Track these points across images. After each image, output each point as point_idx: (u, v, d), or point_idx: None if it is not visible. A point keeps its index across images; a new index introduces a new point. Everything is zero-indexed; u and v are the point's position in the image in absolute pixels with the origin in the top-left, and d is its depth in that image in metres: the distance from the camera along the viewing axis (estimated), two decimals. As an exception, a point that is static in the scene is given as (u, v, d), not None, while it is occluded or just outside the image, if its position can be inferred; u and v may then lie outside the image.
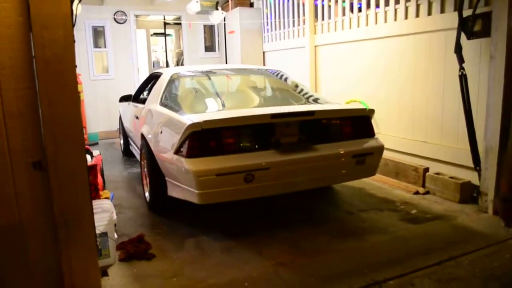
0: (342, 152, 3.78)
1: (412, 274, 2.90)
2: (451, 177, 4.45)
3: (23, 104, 2.04)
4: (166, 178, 3.88)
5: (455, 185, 4.32)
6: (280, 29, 8.20)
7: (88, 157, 3.87)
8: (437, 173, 4.62)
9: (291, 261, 3.18)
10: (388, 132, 5.39)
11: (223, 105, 4.24)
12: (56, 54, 2.02)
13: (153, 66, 12.49)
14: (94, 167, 3.85)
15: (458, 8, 4.09)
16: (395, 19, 5.16)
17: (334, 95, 6.09)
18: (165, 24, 11.32)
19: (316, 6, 6.94)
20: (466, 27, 4.03)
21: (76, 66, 2.15)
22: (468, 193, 4.29)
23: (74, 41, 2.11)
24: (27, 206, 2.14)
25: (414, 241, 3.46)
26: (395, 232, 3.66)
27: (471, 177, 4.28)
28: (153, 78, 5.51)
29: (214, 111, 4.15)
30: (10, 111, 2.02)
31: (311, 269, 3.05)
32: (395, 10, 5.17)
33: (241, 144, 3.54)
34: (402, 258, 3.15)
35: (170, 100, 4.40)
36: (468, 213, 4.02)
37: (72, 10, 2.17)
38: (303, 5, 7.21)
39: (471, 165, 4.15)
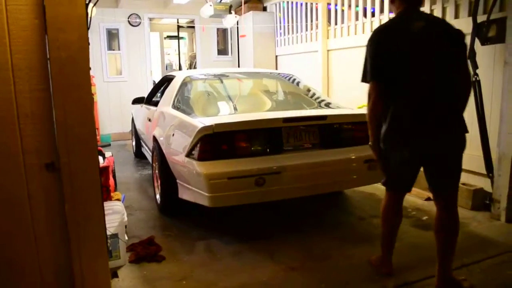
0: (354, 157, 3.76)
1: (423, 281, 2.88)
2: (463, 184, 4.40)
3: (37, 106, 2.06)
4: (177, 181, 3.89)
5: (467, 191, 4.27)
6: (293, 33, 8.21)
7: (100, 158, 3.90)
8: (450, 180, 4.57)
9: (301, 266, 3.17)
10: (401, 138, 5.34)
11: (235, 108, 4.25)
12: (71, 56, 2.04)
13: (166, 69, 12.56)
14: (106, 168, 3.87)
15: (473, 13, 4.06)
16: (409, 24, 5.13)
17: (346, 100, 6.06)
18: (179, 27, 11.38)
19: (329, 10, 6.93)
20: (480, 32, 4.00)
21: (90, 68, 2.17)
22: (481, 200, 4.24)
23: (88, 44, 2.13)
24: (39, 207, 2.16)
25: (426, 248, 3.42)
26: (406, 239, 3.62)
27: (484, 183, 4.24)
28: (166, 81, 5.53)
29: (226, 114, 4.16)
30: (24, 112, 2.04)
31: (322, 275, 3.03)
32: (409, 15, 5.14)
33: (252, 148, 3.55)
34: (413, 264, 3.13)
35: (183, 103, 4.41)
36: (481, 221, 3.98)
37: (87, 13, 2.19)
38: (316, 9, 7.21)
39: (484, 171, 4.11)
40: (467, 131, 2.61)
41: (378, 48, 2.63)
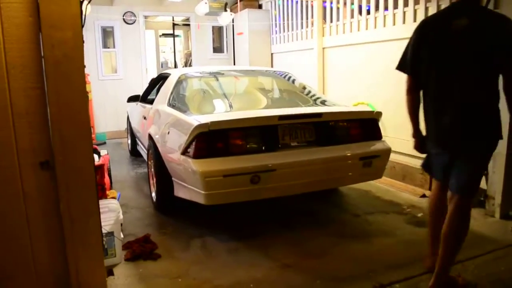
0: (349, 154, 3.77)
1: (417, 278, 2.89)
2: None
3: (32, 104, 2.06)
4: (173, 179, 3.89)
5: (463, 188, 4.28)
6: (288, 31, 8.20)
7: (96, 156, 3.89)
8: (445, 177, 4.59)
9: (296, 263, 3.18)
10: (396, 135, 5.37)
11: (231, 106, 4.25)
12: (65, 54, 2.03)
13: (162, 67, 12.53)
14: (101, 166, 3.87)
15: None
16: (404, 22, 5.14)
17: (341, 97, 6.07)
18: (174, 25, 11.36)
19: (324, 8, 6.93)
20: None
21: (84, 66, 2.16)
22: (475, 197, 4.25)
23: (83, 42, 2.13)
24: (34, 205, 2.16)
25: (420, 245, 3.44)
26: (401, 235, 3.64)
27: (479, 181, 4.25)
28: (161, 79, 5.52)
29: (221, 112, 4.16)
30: (18, 111, 2.04)
31: (317, 271, 3.04)
32: (404, 13, 5.15)
33: (248, 146, 3.55)
34: (408, 261, 3.14)
35: (178, 101, 4.41)
36: (475, 217, 3.99)
37: (81, 11, 2.19)
38: (312, 7, 7.20)
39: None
40: (497, 137, 2.52)
41: (417, 41, 2.62)
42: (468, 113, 2.48)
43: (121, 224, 3.19)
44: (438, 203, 2.88)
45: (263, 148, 3.58)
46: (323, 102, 4.58)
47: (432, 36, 2.54)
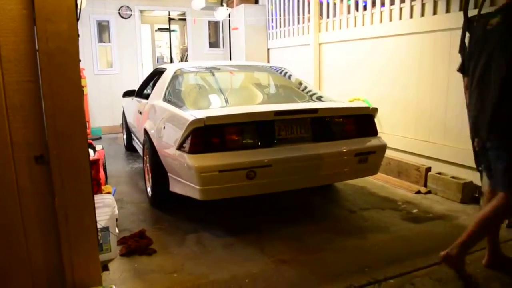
0: (344, 150, 3.77)
1: (412, 273, 2.89)
2: (453, 177, 4.44)
3: (26, 98, 2.05)
4: (169, 174, 3.88)
5: (457, 185, 4.31)
6: (285, 26, 8.19)
7: (91, 151, 3.88)
8: (439, 173, 4.61)
9: (292, 258, 3.18)
10: (391, 131, 5.38)
11: (227, 101, 4.24)
12: (60, 48, 2.02)
13: (157, 62, 12.50)
14: (96, 161, 3.85)
15: (464, 8, 4.03)
16: (400, 18, 5.14)
17: (338, 93, 6.08)
18: (170, 19, 11.32)
19: (321, 3, 6.92)
20: (471, 27, 4.00)
21: (80, 60, 2.15)
22: (470, 193, 4.28)
23: (78, 35, 2.11)
24: (29, 200, 2.15)
25: (415, 241, 3.46)
26: (396, 231, 3.65)
27: (473, 177, 4.27)
28: (157, 74, 5.51)
29: (217, 107, 4.15)
30: (12, 105, 2.02)
31: (312, 267, 3.04)
32: (401, 9, 5.15)
33: (244, 141, 3.54)
34: (402, 257, 3.15)
35: (174, 96, 4.39)
36: (470, 214, 4.00)
37: (76, 4, 2.17)
38: (308, 2, 7.19)
39: (473, 165, 4.12)
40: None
41: (468, 43, 2.77)
42: (495, 109, 2.50)
43: (116, 219, 3.17)
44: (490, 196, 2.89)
45: (259, 143, 3.58)
46: (319, 98, 4.58)
47: (472, 37, 2.73)
